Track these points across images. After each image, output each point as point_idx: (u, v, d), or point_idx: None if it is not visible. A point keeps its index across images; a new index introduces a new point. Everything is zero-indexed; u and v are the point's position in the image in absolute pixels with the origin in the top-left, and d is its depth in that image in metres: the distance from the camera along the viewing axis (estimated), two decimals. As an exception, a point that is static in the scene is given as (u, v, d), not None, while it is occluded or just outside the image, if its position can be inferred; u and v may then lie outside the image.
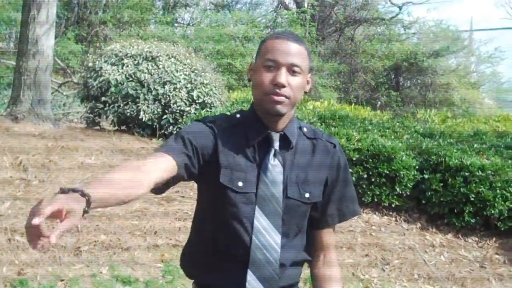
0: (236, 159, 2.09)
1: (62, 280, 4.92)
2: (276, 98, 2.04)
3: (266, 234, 2.07)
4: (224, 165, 2.07)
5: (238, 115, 2.21)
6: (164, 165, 1.93)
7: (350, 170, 7.13)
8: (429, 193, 7.30)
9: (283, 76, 2.03)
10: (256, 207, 2.06)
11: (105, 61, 9.49)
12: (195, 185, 2.24)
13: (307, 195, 2.13)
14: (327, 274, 2.25)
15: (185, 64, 9.65)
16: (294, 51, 2.07)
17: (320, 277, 2.26)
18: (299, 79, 2.07)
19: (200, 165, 2.06)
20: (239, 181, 2.07)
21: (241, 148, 2.12)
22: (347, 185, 2.28)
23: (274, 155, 2.11)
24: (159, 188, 1.96)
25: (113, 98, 9.17)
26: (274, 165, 2.09)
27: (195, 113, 8.89)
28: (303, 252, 2.22)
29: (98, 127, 9.71)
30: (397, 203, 7.40)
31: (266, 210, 2.07)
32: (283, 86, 2.03)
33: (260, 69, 2.08)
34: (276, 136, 2.13)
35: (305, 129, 2.24)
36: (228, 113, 2.33)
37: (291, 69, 2.05)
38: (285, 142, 2.15)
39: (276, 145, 2.12)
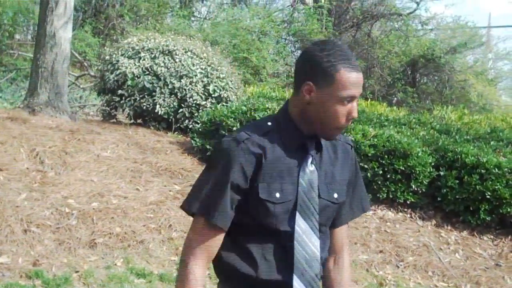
0: (274, 169, 2.06)
1: (77, 272, 4.96)
2: (344, 128, 2.11)
3: (307, 239, 2.07)
4: (262, 180, 2.04)
5: (269, 123, 2.13)
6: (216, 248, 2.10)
7: (366, 166, 7.15)
8: (445, 190, 7.27)
9: (357, 109, 2.06)
10: (297, 213, 2.05)
11: (122, 54, 9.51)
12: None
13: (335, 195, 2.15)
14: (338, 278, 2.29)
15: (201, 58, 9.65)
16: (362, 80, 2.06)
17: (331, 280, 2.30)
18: None
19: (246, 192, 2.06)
20: (277, 193, 2.04)
21: (280, 154, 2.07)
22: (360, 183, 2.32)
23: (311, 161, 2.10)
24: None
25: (129, 91, 9.19)
26: (312, 171, 2.09)
27: (211, 107, 8.89)
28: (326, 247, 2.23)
29: (114, 120, 9.75)
30: (412, 200, 7.38)
31: (306, 215, 2.06)
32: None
33: (335, 104, 2.02)
34: (311, 143, 2.11)
35: None
36: (256, 121, 2.29)
37: None
38: (318, 147, 2.15)
39: (313, 151, 2.12)
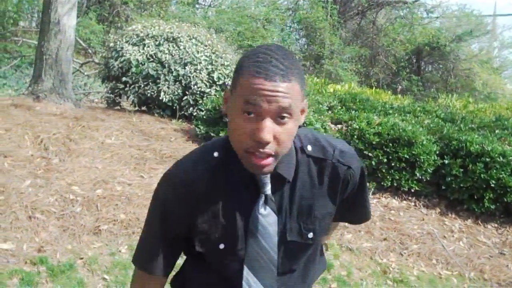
0: (218, 215, 1.71)
1: (82, 258, 4.97)
2: (259, 161, 1.56)
3: None
4: (199, 230, 1.74)
5: (216, 153, 1.72)
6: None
7: (370, 154, 7.14)
8: (449, 179, 7.26)
9: (267, 130, 1.51)
10: (245, 266, 1.72)
11: (126, 42, 9.49)
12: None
13: (310, 235, 1.76)
14: None
15: (206, 46, 9.63)
16: (281, 92, 1.50)
17: None
18: (290, 124, 1.55)
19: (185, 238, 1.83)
20: (220, 244, 1.72)
21: (224, 196, 1.71)
22: (360, 201, 1.93)
23: (266, 202, 1.68)
24: None
25: (133, 78, 9.18)
26: (266, 215, 1.68)
27: (215, 95, 8.88)
28: (315, 269, 1.94)
29: (118, 107, 9.74)
30: (416, 188, 7.37)
31: (257, 269, 1.72)
32: (267, 143, 1.53)
33: (237, 113, 1.55)
34: (266, 179, 1.68)
35: (309, 149, 1.74)
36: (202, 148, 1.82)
37: (279, 116, 1.52)
38: (279, 180, 1.70)
39: (267, 189, 1.68)
